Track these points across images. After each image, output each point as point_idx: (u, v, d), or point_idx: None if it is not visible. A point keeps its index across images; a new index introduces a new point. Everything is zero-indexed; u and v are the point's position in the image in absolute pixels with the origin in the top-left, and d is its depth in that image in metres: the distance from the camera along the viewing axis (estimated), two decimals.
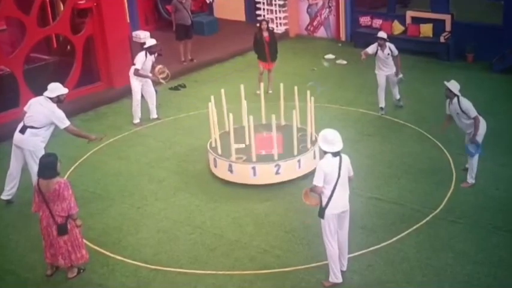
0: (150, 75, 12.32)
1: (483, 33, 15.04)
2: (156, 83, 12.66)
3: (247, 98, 10.72)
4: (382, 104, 12.37)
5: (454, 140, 10.45)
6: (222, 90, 10.78)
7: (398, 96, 12.58)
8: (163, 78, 12.75)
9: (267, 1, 18.44)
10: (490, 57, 14.65)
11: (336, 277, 7.44)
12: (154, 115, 12.64)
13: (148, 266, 8.07)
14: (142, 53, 12.20)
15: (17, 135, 9.33)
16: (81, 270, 7.93)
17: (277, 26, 18.20)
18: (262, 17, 18.40)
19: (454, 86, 9.31)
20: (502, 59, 14.51)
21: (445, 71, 14.56)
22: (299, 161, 9.79)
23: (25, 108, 9.44)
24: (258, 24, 13.79)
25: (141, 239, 8.69)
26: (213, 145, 10.26)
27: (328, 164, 7.09)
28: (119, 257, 8.25)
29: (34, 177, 8.81)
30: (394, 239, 8.35)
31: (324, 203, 7.16)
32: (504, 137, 10.95)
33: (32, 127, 9.20)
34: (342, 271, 7.52)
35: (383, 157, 10.69)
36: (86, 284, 7.80)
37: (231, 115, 9.78)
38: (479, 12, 16.48)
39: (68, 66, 13.63)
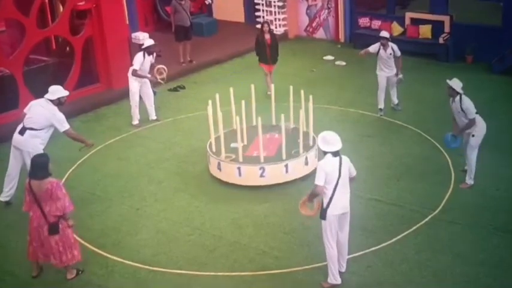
0: (149, 75, 12.33)
1: (482, 34, 15.05)
2: (154, 84, 12.67)
3: (247, 99, 10.72)
4: (381, 105, 12.37)
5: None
6: (217, 95, 10.78)
7: (396, 101, 12.56)
8: (161, 79, 12.76)
9: (266, 2, 18.45)
10: (490, 58, 14.66)
11: (334, 278, 7.44)
12: (153, 116, 12.64)
13: (147, 267, 8.06)
14: (141, 53, 12.20)
15: (16, 136, 9.33)
16: (80, 272, 7.93)
17: (276, 27, 18.19)
18: (262, 18, 18.45)
19: (456, 84, 9.27)
20: (502, 60, 14.52)
21: (444, 72, 14.52)
22: (286, 165, 9.74)
23: (25, 110, 9.45)
24: (259, 27, 13.79)
25: (140, 240, 8.69)
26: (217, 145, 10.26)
27: (329, 163, 7.12)
28: (118, 258, 8.25)
29: None
30: (393, 240, 8.35)
31: (325, 204, 7.17)
32: (504, 137, 10.95)
33: (31, 129, 9.20)
34: (340, 272, 7.52)
35: (382, 158, 10.70)
36: (85, 285, 7.80)
37: (230, 115, 9.81)
38: (479, 13, 16.48)
39: (67, 67, 13.63)
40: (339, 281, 7.46)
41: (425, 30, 15.90)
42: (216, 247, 8.43)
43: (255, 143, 10.15)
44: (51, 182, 7.42)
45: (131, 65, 12.38)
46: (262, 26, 13.55)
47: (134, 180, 10.34)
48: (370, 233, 8.49)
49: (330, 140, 7.16)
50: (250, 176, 9.76)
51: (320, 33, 18.19)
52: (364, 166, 10.15)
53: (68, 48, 14.34)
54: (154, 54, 12.56)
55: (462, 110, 9.19)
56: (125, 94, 12.75)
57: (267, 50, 13.38)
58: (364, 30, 16.95)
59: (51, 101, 9.25)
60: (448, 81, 9.34)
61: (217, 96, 10.39)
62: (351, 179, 7.38)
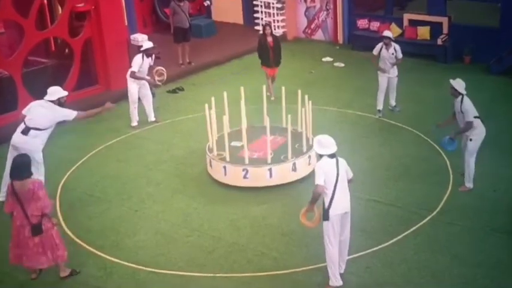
0: (147, 77, 12.34)
1: (480, 35, 15.08)
2: (153, 86, 12.67)
3: (248, 99, 10.73)
4: (380, 106, 12.39)
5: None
6: (212, 98, 10.79)
7: (394, 104, 12.57)
8: (160, 81, 12.77)
9: (264, 4, 18.46)
10: (488, 59, 14.68)
11: (336, 280, 7.45)
12: (152, 118, 12.64)
13: (145, 268, 8.07)
14: (139, 55, 12.21)
15: (17, 136, 9.33)
16: (75, 272, 7.93)
17: (275, 29, 18.17)
18: (260, 20, 18.48)
19: (459, 84, 9.27)
20: (499, 61, 14.55)
21: (442, 73, 14.56)
22: (270, 169, 9.74)
23: (24, 112, 9.45)
24: (261, 29, 13.77)
25: (138, 241, 8.69)
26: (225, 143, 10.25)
27: (326, 163, 7.16)
28: (117, 260, 8.26)
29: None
30: (392, 241, 8.36)
31: (326, 205, 7.19)
32: (502, 138, 10.97)
33: (36, 129, 9.23)
34: (339, 273, 7.53)
35: (381, 159, 10.71)
36: (84, 287, 7.80)
37: (225, 117, 9.82)
38: (477, 14, 16.51)
39: (66, 69, 13.64)
40: (340, 282, 7.47)
41: (423, 32, 15.92)
42: (215, 248, 8.44)
43: (254, 143, 10.15)
44: (33, 182, 7.43)
45: (130, 66, 12.39)
46: (264, 29, 13.54)
47: (133, 182, 10.34)
48: (369, 234, 8.50)
49: (325, 143, 7.24)
50: (234, 176, 9.86)
51: (319, 35, 18.21)
52: (362, 167, 10.17)
53: (67, 50, 14.35)
54: (153, 56, 12.56)
55: (462, 111, 9.19)
56: (124, 95, 12.75)
57: (270, 53, 13.35)
58: (363, 32, 16.95)
59: (51, 101, 9.29)
60: (451, 81, 9.35)
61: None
62: (348, 181, 7.40)
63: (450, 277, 7.65)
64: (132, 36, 15.89)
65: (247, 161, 9.80)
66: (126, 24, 14.61)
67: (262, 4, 18.48)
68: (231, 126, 10.46)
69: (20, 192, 7.40)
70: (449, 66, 15.18)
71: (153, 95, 12.77)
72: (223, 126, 10.42)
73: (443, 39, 15.55)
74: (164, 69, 12.90)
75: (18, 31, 13.34)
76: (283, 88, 10.93)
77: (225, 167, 9.87)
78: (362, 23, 17.16)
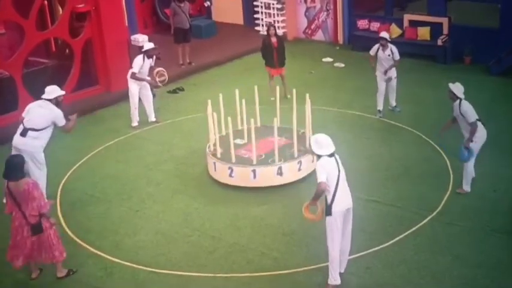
0: (148, 78, 12.35)
1: (480, 36, 15.08)
2: (153, 87, 12.68)
3: (249, 100, 10.74)
4: (380, 106, 12.40)
5: (451, 143, 10.45)
6: (209, 101, 10.80)
7: (394, 104, 12.57)
8: (161, 82, 12.78)
9: (265, 5, 18.48)
10: (487, 59, 14.69)
11: (334, 279, 7.46)
12: (152, 118, 12.65)
13: (146, 268, 8.07)
14: (140, 56, 12.22)
15: (17, 138, 9.35)
16: (72, 272, 7.94)
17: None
18: (260, 21, 18.49)
19: (457, 88, 9.26)
20: (499, 61, 14.55)
21: (442, 73, 14.59)
22: (254, 170, 9.75)
23: (23, 114, 9.47)
24: (265, 30, 13.77)
25: (139, 241, 8.70)
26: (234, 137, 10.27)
27: (327, 162, 7.20)
28: (117, 260, 8.26)
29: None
30: (392, 241, 8.37)
31: (329, 200, 7.21)
32: (502, 139, 10.96)
33: (33, 129, 9.24)
34: (339, 273, 7.53)
35: (381, 160, 10.71)
36: (84, 287, 7.81)
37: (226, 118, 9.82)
38: (476, 15, 16.52)
39: (67, 69, 13.65)
40: (338, 281, 7.48)
41: (423, 32, 15.93)
42: (215, 248, 8.45)
43: (256, 143, 10.15)
44: (27, 183, 7.45)
45: (130, 67, 12.41)
46: (268, 29, 13.54)
47: (133, 182, 10.35)
48: (369, 235, 8.50)
49: (323, 142, 7.27)
50: (221, 173, 9.96)
51: (319, 35, 18.22)
52: (362, 167, 10.19)
53: (67, 51, 14.35)
54: (154, 57, 12.57)
55: (461, 113, 9.19)
56: (124, 96, 12.77)
57: (274, 53, 13.35)
58: (363, 32, 16.96)
59: (49, 100, 9.32)
60: (449, 85, 9.34)
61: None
62: None
63: (450, 278, 7.66)
64: (133, 37, 15.90)
65: (233, 160, 9.87)
66: (127, 24, 14.63)
67: (263, 5, 18.50)
68: (235, 126, 10.46)
69: (16, 193, 7.42)
70: (449, 66, 15.20)
71: (154, 95, 12.79)
72: (225, 126, 10.46)
73: (443, 40, 15.56)
74: (165, 70, 12.90)
75: (19, 32, 13.36)
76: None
77: (214, 163, 10.03)
78: (362, 23, 17.17)
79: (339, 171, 7.23)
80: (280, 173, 9.76)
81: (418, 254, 8.11)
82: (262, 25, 18.56)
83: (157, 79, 12.69)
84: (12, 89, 12.61)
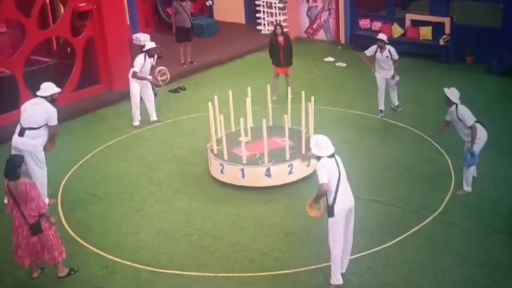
0: (149, 77, 12.35)
1: (482, 35, 15.07)
2: (154, 85, 12.69)
3: (251, 99, 10.74)
4: (381, 106, 12.39)
5: (453, 143, 10.44)
6: (215, 97, 10.80)
7: (396, 103, 12.57)
8: (163, 81, 12.78)
9: (266, 4, 18.47)
10: (489, 59, 14.67)
11: (336, 279, 7.46)
12: (153, 117, 12.65)
13: (147, 268, 8.08)
14: (142, 55, 12.22)
15: (16, 138, 9.35)
16: (73, 271, 7.95)
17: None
18: (262, 20, 18.48)
19: (452, 94, 9.26)
20: (501, 61, 14.54)
21: (444, 73, 14.59)
22: (242, 170, 9.79)
23: (21, 113, 9.46)
24: (272, 29, 13.77)
25: (140, 240, 8.70)
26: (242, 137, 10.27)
27: (327, 162, 7.20)
28: (118, 259, 8.27)
29: (35, 180, 8.84)
30: (393, 241, 8.36)
31: (330, 201, 7.21)
32: (503, 138, 10.96)
33: (30, 128, 9.23)
34: (342, 272, 7.54)
35: (382, 159, 10.71)
36: (85, 286, 7.81)
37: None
38: (479, 15, 16.49)
39: (68, 68, 13.65)
40: (341, 281, 7.48)
41: (425, 32, 15.91)
42: (217, 248, 8.45)
43: (258, 142, 10.15)
44: (25, 183, 7.45)
45: (132, 66, 12.41)
46: (275, 29, 13.52)
47: (134, 182, 10.35)
48: (370, 234, 8.50)
49: (323, 143, 7.27)
50: (214, 170, 10.10)
51: (321, 35, 18.21)
52: (363, 167, 10.18)
53: (68, 49, 14.35)
54: (156, 57, 12.57)
55: (459, 118, 9.18)
56: (126, 95, 12.77)
57: (281, 53, 13.33)
58: (365, 32, 16.94)
59: (44, 97, 9.32)
60: (445, 90, 9.33)
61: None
62: None
63: (451, 277, 7.66)
64: (134, 36, 15.89)
65: (226, 157, 9.93)
66: (128, 23, 14.62)
67: (265, 4, 18.49)
68: (237, 125, 10.47)
69: (15, 192, 7.43)
70: (451, 66, 15.19)
71: (155, 94, 12.79)
72: (227, 125, 10.47)
73: (445, 40, 15.54)
74: (166, 69, 12.90)
75: (21, 30, 13.37)
76: (302, 92, 10.88)
77: (210, 159, 10.13)
78: (364, 23, 17.15)
79: (339, 171, 7.23)
80: (268, 174, 9.75)
81: (419, 253, 8.11)
82: (264, 24, 18.57)
83: (159, 78, 12.68)
84: (14, 87, 12.61)
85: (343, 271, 7.60)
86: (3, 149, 10.86)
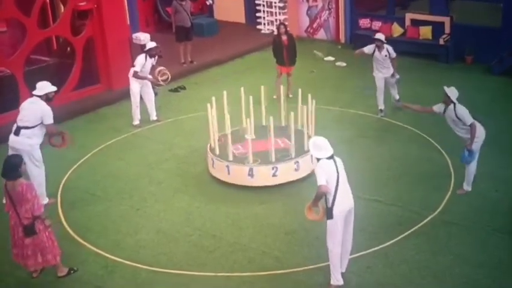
0: (150, 77, 12.35)
1: (482, 35, 15.07)
2: (155, 85, 12.69)
3: (247, 99, 10.74)
4: (381, 106, 12.40)
5: (452, 142, 10.44)
6: (213, 98, 10.79)
7: (397, 97, 12.61)
8: (163, 81, 12.78)
9: (267, 3, 18.47)
10: (489, 59, 14.68)
11: (337, 279, 7.46)
12: (153, 117, 12.65)
13: (147, 267, 8.08)
14: (142, 55, 12.22)
15: (12, 137, 9.34)
16: (73, 271, 7.95)
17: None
18: (262, 19, 18.47)
19: (452, 92, 9.27)
20: (501, 61, 14.54)
21: (444, 73, 14.59)
22: (227, 166, 9.84)
23: (19, 113, 9.46)
24: (273, 28, 13.78)
25: (140, 240, 8.70)
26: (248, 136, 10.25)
27: (326, 164, 7.19)
28: (118, 259, 8.27)
29: (33, 179, 8.84)
30: (393, 241, 8.36)
31: (329, 203, 7.21)
32: (503, 138, 10.97)
33: (25, 127, 9.22)
34: (341, 272, 7.54)
35: (382, 159, 10.71)
36: (84, 286, 7.81)
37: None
38: (479, 14, 16.49)
39: (68, 67, 13.65)
40: (341, 282, 7.48)
41: (425, 31, 15.92)
42: (216, 248, 8.45)
43: (259, 141, 10.13)
44: (22, 184, 7.42)
45: (132, 65, 12.41)
46: (278, 28, 13.54)
47: (134, 181, 10.35)
48: (369, 234, 8.50)
49: (321, 145, 7.27)
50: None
51: (321, 34, 18.21)
52: (363, 167, 10.18)
53: (68, 49, 14.35)
54: (156, 57, 12.57)
55: (457, 117, 9.18)
56: (126, 94, 12.76)
57: (284, 52, 13.34)
58: (365, 31, 16.94)
59: (39, 96, 9.31)
60: (445, 88, 9.34)
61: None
62: None
63: (451, 277, 7.66)
64: (134, 35, 15.89)
65: (218, 152, 10.00)
66: (128, 23, 14.62)
67: (265, 3, 18.49)
68: (234, 125, 10.46)
69: (12, 192, 7.42)
70: (451, 66, 15.20)
71: (156, 93, 12.79)
72: (226, 125, 10.46)
73: (445, 39, 15.55)
74: (166, 69, 12.89)
75: (21, 30, 13.36)
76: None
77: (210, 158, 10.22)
78: (364, 22, 17.16)
79: (338, 173, 7.21)
80: (251, 174, 9.77)
81: (419, 253, 8.11)
82: (264, 24, 18.57)
83: (160, 78, 12.68)
84: (14, 87, 12.61)
85: (343, 271, 7.60)
86: (3, 149, 10.87)
